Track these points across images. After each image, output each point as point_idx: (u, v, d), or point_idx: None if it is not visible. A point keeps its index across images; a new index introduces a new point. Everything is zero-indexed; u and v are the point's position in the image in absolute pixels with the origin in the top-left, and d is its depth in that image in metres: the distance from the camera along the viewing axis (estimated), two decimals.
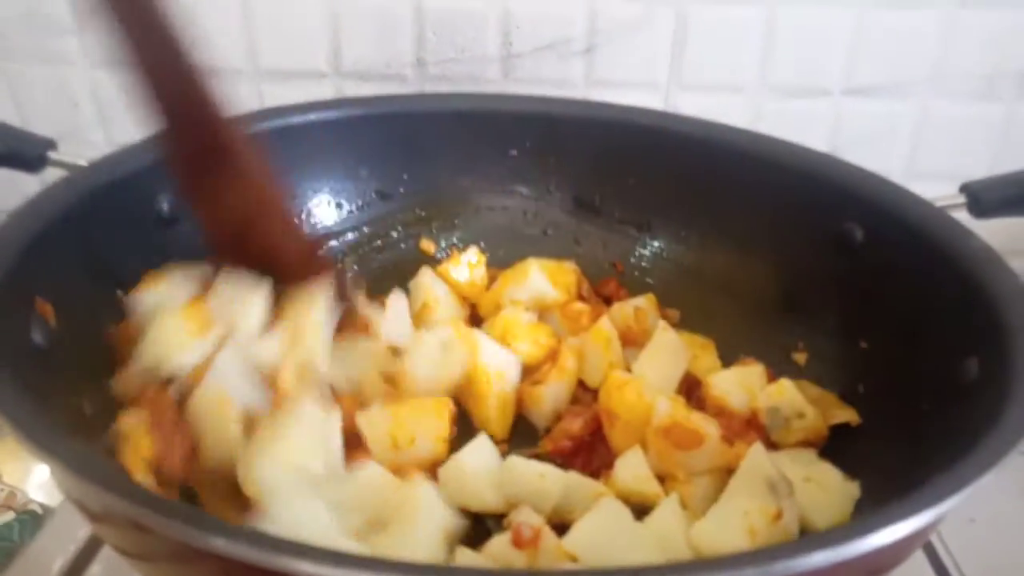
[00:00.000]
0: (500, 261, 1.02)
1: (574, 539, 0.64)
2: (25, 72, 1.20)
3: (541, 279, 0.94)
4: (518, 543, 0.64)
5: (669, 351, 0.85)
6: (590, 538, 0.64)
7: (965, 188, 0.82)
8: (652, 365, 0.84)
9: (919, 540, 0.58)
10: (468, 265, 0.99)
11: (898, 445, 0.68)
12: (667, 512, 0.68)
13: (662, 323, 0.87)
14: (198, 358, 0.72)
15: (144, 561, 0.53)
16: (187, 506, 0.44)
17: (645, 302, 0.94)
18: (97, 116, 1.22)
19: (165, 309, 0.76)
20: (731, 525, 0.65)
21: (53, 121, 1.20)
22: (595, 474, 0.76)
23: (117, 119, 1.21)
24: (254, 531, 0.43)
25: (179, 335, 0.73)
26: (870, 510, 0.52)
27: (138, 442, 0.66)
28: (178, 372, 0.72)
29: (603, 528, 0.65)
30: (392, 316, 0.84)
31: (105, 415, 0.67)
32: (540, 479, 0.72)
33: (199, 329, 0.74)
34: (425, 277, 0.96)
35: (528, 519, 0.66)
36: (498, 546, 0.64)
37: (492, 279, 0.99)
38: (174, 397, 0.70)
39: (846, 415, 0.77)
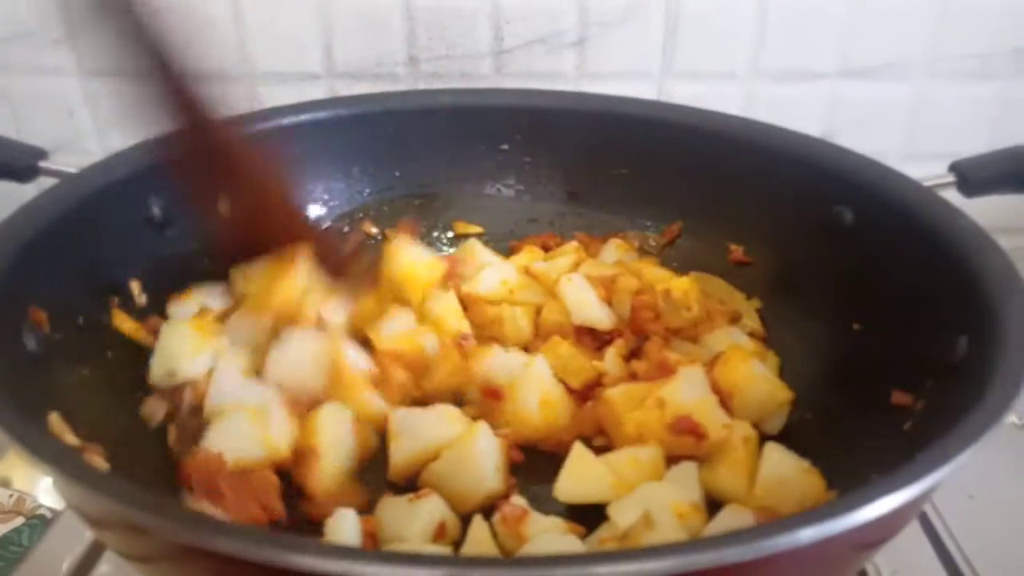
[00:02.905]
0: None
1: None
2: (20, 83, 1.20)
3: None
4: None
5: None
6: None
7: (954, 167, 0.82)
8: None
9: (908, 514, 0.58)
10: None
11: (891, 423, 0.68)
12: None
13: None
14: (207, 366, 0.78)
15: (145, 563, 0.53)
16: (181, 507, 0.45)
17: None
18: (92, 125, 1.22)
19: (173, 321, 0.81)
20: None
21: (49, 131, 1.21)
22: None
23: (112, 128, 1.21)
24: (251, 529, 0.44)
25: (186, 345, 0.78)
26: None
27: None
28: (190, 379, 0.77)
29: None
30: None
31: (98, 416, 0.68)
32: None
33: (205, 339, 0.79)
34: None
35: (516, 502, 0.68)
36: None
37: None
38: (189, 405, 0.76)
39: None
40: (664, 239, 1.00)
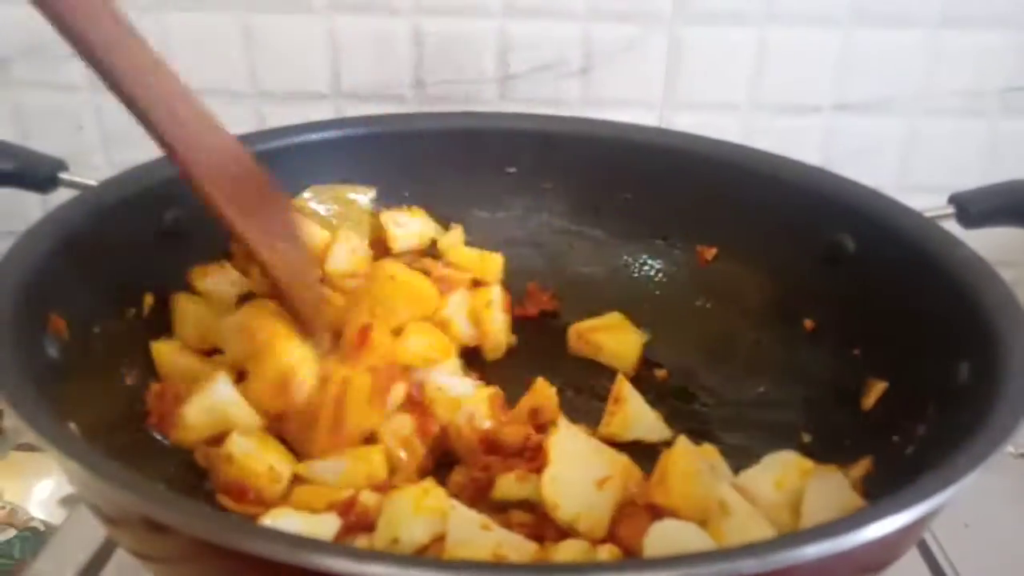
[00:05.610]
0: None
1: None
2: (29, 97, 1.21)
3: None
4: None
5: None
6: None
7: (953, 199, 0.84)
8: None
9: (912, 536, 0.59)
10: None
11: (891, 448, 0.69)
12: None
13: None
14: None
15: (161, 563, 0.54)
16: (205, 506, 0.46)
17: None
18: (100, 139, 1.23)
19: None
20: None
21: (56, 145, 1.19)
22: None
23: (119, 142, 1.22)
24: (272, 529, 0.44)
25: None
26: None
27: None
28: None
29: None
30: None
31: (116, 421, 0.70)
32: None
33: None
34: None
35: None
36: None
37: None
38: None
39: None
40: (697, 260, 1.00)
